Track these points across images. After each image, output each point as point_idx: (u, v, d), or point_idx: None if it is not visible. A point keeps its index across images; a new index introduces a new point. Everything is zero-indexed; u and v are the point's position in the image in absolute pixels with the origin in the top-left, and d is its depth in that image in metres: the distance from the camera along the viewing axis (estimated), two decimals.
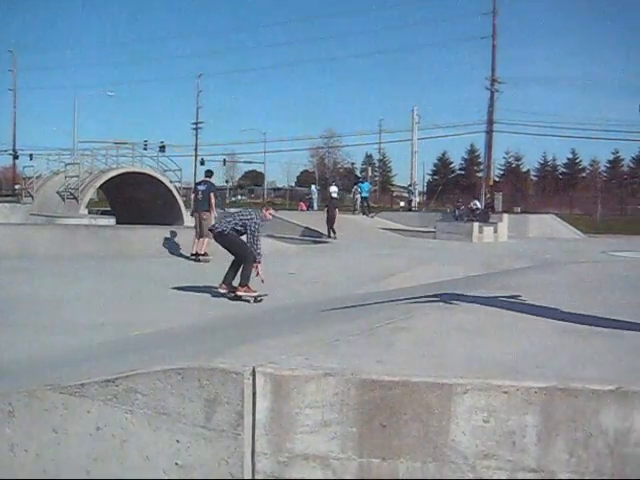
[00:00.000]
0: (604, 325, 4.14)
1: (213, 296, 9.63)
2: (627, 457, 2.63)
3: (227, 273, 9.75)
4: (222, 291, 9.63)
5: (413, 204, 45.74)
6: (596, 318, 4.33)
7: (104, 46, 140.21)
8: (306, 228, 24.93)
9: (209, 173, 17.15)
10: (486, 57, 50.83)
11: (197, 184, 17.39)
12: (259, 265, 9.70)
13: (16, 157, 71.68)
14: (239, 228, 9.82)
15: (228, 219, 10.15)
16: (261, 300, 9.40)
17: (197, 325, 6.67)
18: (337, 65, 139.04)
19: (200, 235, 15.26)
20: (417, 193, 55.64)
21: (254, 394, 2.78)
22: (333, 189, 33.24)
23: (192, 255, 15.31)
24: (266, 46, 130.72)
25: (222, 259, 10.64)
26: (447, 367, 2.97)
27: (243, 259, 9.73)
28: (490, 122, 49.85)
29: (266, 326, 4.90)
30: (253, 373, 2.78)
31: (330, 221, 23.44)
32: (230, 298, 9.48)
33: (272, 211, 10.70)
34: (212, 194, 16.10)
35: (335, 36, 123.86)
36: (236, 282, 9.60)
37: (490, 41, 49.93)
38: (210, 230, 10.67)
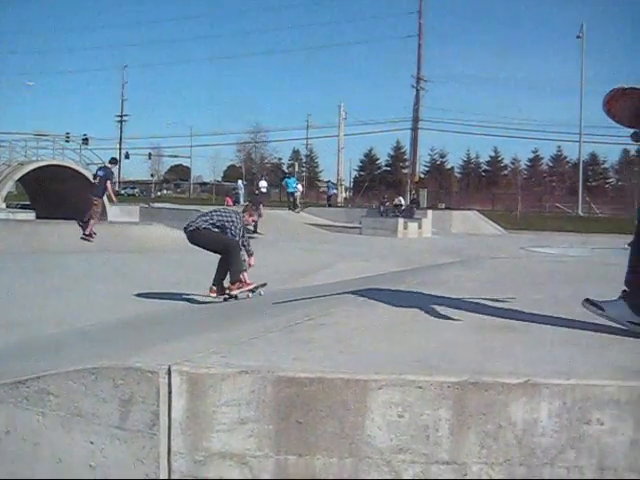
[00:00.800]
0: (520, 319, 4.27)
1: (134, 294, 9.48)
2: (534, 447, 2.72)
3: (216, 274, 9.10)
4: (212, 295, 8.78)
5: (333, 200, 45.95)
6: (512, 312, 4.46)
7: (23, 34, 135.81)
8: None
9: (113, 160, 18.14)
10: (412, 55, 51.73)
11: (98, 169, 18.38)
12: (252, 258, 9.30)
13: None
14: (215, 230, 9.04)
15: (203, 218, 9.32)
16: (260, 290, 8.80)
17: (115, 322, 6.54)
18: (265, 60, 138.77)
19: (89, 217, 16.27)
20: (343, 189, 56.12)
21: (170, 393, 2.75)
22: (263, 184, 33.23)
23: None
24: (192, 39, 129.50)
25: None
26: (364, 363, 3.01)
27: (227, 253, 8.90)
28: (416, 120, 50.76)
29: (184, 324, 4.86)
30: (169, 372, 2.75)
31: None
32: (225, 300, 8.73)
33: (255, 217, 10.25)
34: (108, 181, 17.24)
35: (263, 31, 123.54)
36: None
37: (416, 40, 50.82)
38: (184, 229, 9.75)
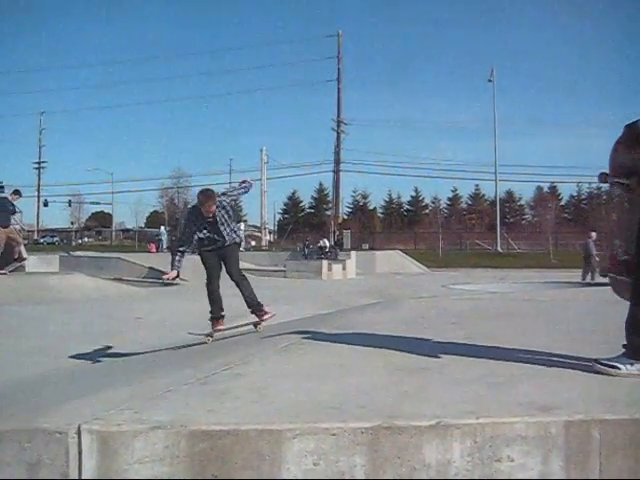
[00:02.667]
0: (434, 359, 4.36)
1: (51, 348, 9.17)
2: None
3: (220, 302, 7.87)
4: (221, 328, 7.83)
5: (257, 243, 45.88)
6: (428, 352, 4.55)
7: None
8: (152, 269, 24.40)
9: (16, 192, 18.32)
10: (332, 99, 52.70)
11: None
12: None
13: None
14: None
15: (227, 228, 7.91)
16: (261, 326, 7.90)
17: (26, 380, 6.31)
18: (186, 104, 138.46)
19: None
20: (267, 232, 56.19)
21: (80, 453, 2.68)
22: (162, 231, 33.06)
23: None
24: (112, 85, 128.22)
25: None
26: (279, 412, 3.00)
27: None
28: (337, 162, 51.55)
29: (98, 378, 4.74)
30: (78, 431, 2.69)
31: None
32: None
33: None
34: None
35: (184, 75, 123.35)
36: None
37: (336, 84, 51.86)
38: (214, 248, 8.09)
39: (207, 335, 7.67)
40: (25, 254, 17.69)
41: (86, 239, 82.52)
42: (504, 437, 2.83)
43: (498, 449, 2.82)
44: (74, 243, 70.27)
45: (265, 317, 7.90)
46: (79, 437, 2.69)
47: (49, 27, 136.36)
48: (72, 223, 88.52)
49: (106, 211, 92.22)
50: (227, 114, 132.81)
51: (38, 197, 77.38)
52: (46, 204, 77.93)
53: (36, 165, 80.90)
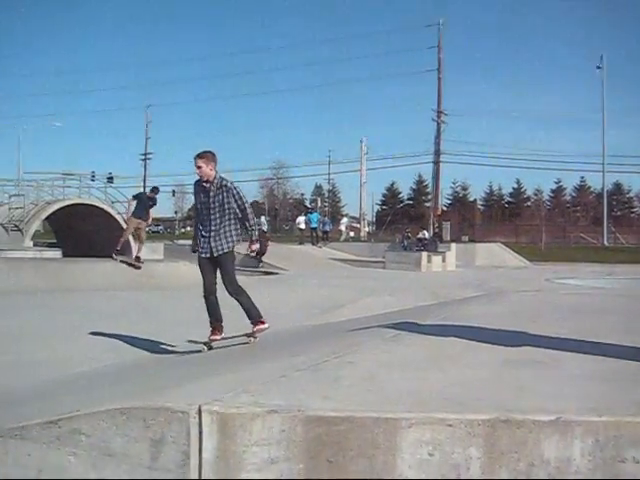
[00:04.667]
0: (546, 354, 4.24)
1: (159, 332, 9.50)
2: None
3: (217, 312, 7.35)
4: (215, 338, 7.18)
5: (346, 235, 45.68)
6: (539, 346, 4.44)
7: (50, 76, 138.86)
8: (247, 256, 24.82)
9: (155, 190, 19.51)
10: (432, 89, 52.05)
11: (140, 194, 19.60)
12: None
13: None
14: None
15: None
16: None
17: (140, 362, 6.58)
18: (286, 96, 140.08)
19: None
20: (365, 223, 56.23)
21: (200, 433, 2.76)
22: (262, 220, 33.48)
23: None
24: (212, 77, 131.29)
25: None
26: (392, 401, 3.00)
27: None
28: (437, 153, 50.87)
29: (212, 362, 4.87)
30: (199, 412, 2.77)
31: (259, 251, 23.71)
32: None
33: None
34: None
35: (284, 68, 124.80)
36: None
37: (436, 74, 51.14)
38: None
39: (204, 344, 7.20)
40: (142, 259, 18.10)
41: (189, 228, 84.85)
42: (629, 437, 2.72)
43: (622, 449, 2.71)
44: (177, 232, 72.50)
45: (261, 327, 7.10)
46: (200, 417, 2.77)
47: (152, 22, 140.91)
48: (175, 212, 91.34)
49: None
50: (327, 105, 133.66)
51: (144, 187, 79.99)
52: None
53: (142, 157, 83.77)
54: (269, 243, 24.39)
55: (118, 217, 30.52)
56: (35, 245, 27.93)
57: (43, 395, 4.94)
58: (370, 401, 2.99)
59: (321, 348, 4.64)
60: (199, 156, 6.98)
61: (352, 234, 46.95)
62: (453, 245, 32.46)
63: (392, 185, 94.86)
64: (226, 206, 6.91)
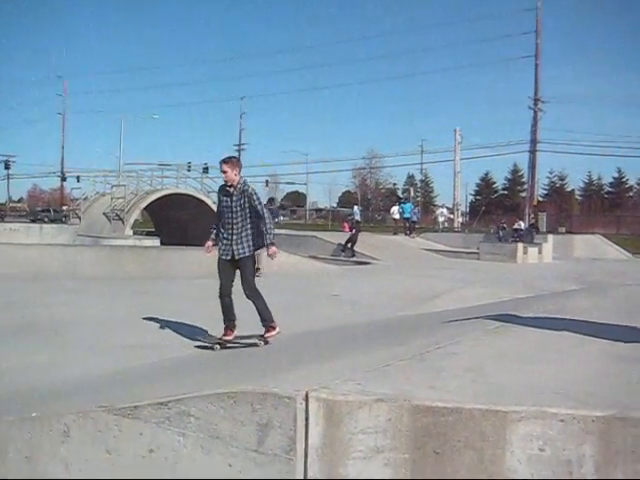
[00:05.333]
0: None
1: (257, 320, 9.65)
2: None
3: (231, 312, 7.45)
4: (227, 338, 7.29)
5: (444, 224, 45.02)
6: None
7: (147, 70, 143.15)
8: (339, 246, 24.90)
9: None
10: (529, 76, 50.62)
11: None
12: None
13: (64, 179, 73.66)
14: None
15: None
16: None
17: (239, 348, 6.70)
18: (378, 86, 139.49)
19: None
20: (459, 214, 55.36)
21: (307, 419, 2.78)
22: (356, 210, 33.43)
23: None
24: (308, 67, 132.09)
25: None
26: (500, 393, 2.93)
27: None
28: (533, 142, 49.45)
29: (313, 350, 4.91)
30: (306, 398, 2.79)
31: (351, 241, 23.68)
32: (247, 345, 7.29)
33: None
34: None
35: (376, 57, 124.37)
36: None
37: (533, 60, 49.68)
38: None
39: (216, 343, 7.28)
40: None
41: (281, 217, 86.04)
42: None
43: None
44: None
45: (271, 333, 7.19)
46: (306, 403, 2.78)
47: (243, 13, 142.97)
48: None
49: (300, 191, 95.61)
50: (420, 94, 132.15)
51: None
52: None
53: (237, 147, 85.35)
54: (359, 233, 24.32)
55: (214, 207, 31.31)
56: (135, 234, 28.99)
57: (149, 377, 5.11)
58: (477, 393, 2.94)
59: (422, 338, 4.60)
60: (224, 161, 7.18)
61: (446, 224, 46.20)
62: (550, 236, 31.51)
63: (486, 175, 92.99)
64: (247, 210, 7.10)
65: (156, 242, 24.29)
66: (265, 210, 7.20)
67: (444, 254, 26.47)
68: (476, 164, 73.18)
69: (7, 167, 75.33)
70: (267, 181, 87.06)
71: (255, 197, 7.13)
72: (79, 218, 31.97)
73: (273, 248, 7.23)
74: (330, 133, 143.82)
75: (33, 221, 48.39)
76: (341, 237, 24.44)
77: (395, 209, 34.92)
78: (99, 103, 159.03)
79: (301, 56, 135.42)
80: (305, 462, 2.79)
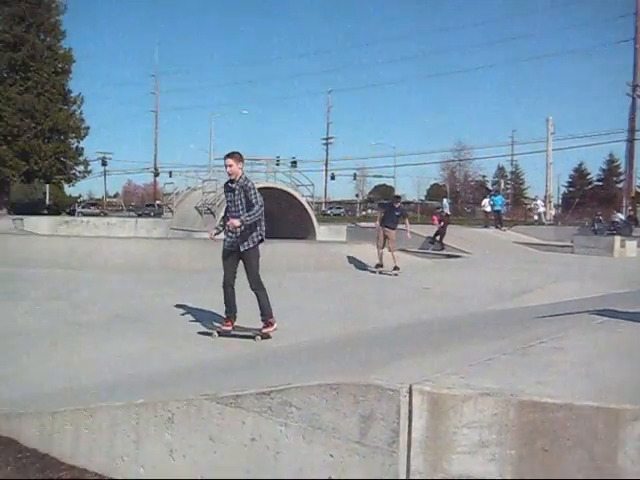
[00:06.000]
0: None
1: (351, 311, 9.68)
2: None
3: (232, 302, 7.68)
4: (226, 329, 7.63)
5: (541, 217, 43.88)
6: None
7: (236, 66, 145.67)
8: (439, 242, 24.63)
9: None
10: (627, 62, 48.62)
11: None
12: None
13: (157, 174, 76.15)
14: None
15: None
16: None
17: (340, 340, 6.74)
18: (467, 77, 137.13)
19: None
20: (552, 205, 53.83)
21: (410, 412, 2.75)
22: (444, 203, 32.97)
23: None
24: (395, 60, 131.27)
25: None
26: (612, 390, 2.82)
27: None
28: (631, 130, 47.49)
29: (412, 343, 4.87)
30: (410, 391, 2.76)
31: (440, 234, 23.34)
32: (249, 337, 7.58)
33: None
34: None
35: (465, 48, 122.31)
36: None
37: (631, 44, 47.64)
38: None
39: (217, 331, 7.64)
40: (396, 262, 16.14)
41: (369, 211, 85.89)
42: None
43: None
44: (358, 214, 73.58)
45: (269, 329, 7.49)
46: (410, 396, 2.76)
47: (329, 7, 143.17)
48: (357, 195, 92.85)
49: (388, 184, 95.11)
50: (511, 84, 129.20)
51: (326, 171, 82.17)
52: (333, 177, 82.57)
53: (324, 141, 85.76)
54: (448, 226, 23.98)
55: (303, 200, 31.61)
56: None
57: (251, 367, 5.20)
58: (587, 389, 2.83)
59: (522, 332, 4.48)
60: (229, 156, 7.57)
61: (536, 217, 44.98)
62: None
63: (580, 165, 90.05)
64: (249, 204, 7.42)
65: None
66: (258, 205, 7.42)
67: (536, 247, 25.80)
68: (570, 154, 71.25)
69: (104, 164, 78.40)
70: (355, 174, 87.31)
71: (252, 191, 7.42)
72: (172, 212, 32.86)
73: (235, 221, 7.34)
74: (418, 125, 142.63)
75: (140, 215, 50.28)
76: (430, 230, 24.15)
77: (486, 201, 34.32)
78: (190, 100, 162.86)
79: (387, 47, 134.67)
80: (408, 455, 2.77)
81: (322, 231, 31.00)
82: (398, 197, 18.86)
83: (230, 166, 7.47)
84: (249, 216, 7.33)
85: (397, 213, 16.57)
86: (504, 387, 2.79)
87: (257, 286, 7.52)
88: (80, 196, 73.21)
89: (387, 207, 17.23)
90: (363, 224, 36.34)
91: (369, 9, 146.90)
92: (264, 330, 7.49)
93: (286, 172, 36.05)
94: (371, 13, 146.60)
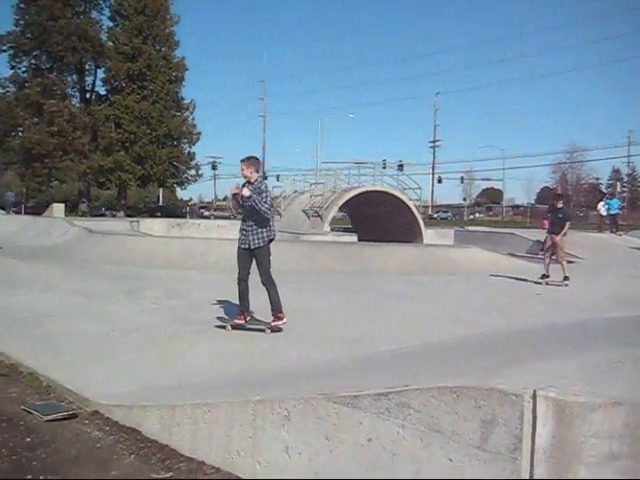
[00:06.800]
0: None
1: (457, 316, 9.53)
2: None
3: (246, 297, 8.04)
4: (239, 322, 7.97)
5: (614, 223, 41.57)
6: None
7: (342, 70, 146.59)
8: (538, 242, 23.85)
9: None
10: None
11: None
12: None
13: (265, 178, 77.47)
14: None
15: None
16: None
17: (454, 343, 6.64)
18: (579, 76, 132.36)
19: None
20: None
21: (534, 418, 2.67)
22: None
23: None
24: (503, 60, 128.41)
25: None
26: None
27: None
28: None
29: (532, 348, 4.73)
30: (534, 396, 2.68)
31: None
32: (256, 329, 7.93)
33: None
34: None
35: (577, 46, 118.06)
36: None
37: None
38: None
39: (230, 325, 8.05)
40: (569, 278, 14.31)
41: (477, 214, 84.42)
42: None
43: None
44: (465, 218, 72.48)
45: (278, 322, 7.89)
46: (534, 402, 2.68)
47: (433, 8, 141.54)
48: (464, 199, 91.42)
49: (496, 187, 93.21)
50: (628, 82, 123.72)
51: (432, 174, 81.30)
52: (440, 181, 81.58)
53: (431, 144, 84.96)
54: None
55: (410, 203, 31.45)
56: (332, 230, 29.77)
57: (362, 369, 5.20)
58: None
59: None
60: (242, 160, 8.07)
61: None
62: None
63: None
64: (256, 202, 7.72)
65: (353, 238, 24.74)
66: (268, 206, 7.83)
67: None
68: None
69: (214, 168, 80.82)
70: (462, 177, 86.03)
71: (265, 194, 7.82)
72: (280, 215, 33.43)
73: (245, 190, 7.80)
74: (528, 127, 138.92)
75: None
76: (540, 235, 23.44)
77: (601, 205, 33.00)
78: (297, 104, 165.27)
79: (494, 49, 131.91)
80: (531, 462, 2.69)
81: (429, 234, 30.70)
82: (559, 196, 16.22)
83: (242, 170, 8.03)
84: (258, 202, 7.70)
85: (560, 215, 14.56)
86: (635, 396, 2.67)
87: (268, 282, 7.91)
88: (191, 199, 75.72)
89: (550, 210, 15.32)
90: (471, 228, 35.75)
91: (474, 10, 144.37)
92: (273, 323, 7.90)
93: (393, 175, 35.96)
94: (478, 14, 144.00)
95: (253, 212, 7.82)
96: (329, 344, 7.25)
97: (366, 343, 7.38)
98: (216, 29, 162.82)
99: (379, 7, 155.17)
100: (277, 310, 7.89)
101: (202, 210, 69.65)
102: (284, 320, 7.87)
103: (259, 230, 7.88)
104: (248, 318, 8.07)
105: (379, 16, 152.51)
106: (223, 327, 8.05)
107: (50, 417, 4.87)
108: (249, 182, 7.94)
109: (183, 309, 9.37)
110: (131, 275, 13.13)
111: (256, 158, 8.21)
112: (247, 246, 7.93)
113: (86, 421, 4.86)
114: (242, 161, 8.04)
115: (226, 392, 4.82)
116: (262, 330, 7.88)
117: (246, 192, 7.72)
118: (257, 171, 8.11)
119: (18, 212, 40.97)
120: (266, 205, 7.79)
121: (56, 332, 7.63)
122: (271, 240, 8.00)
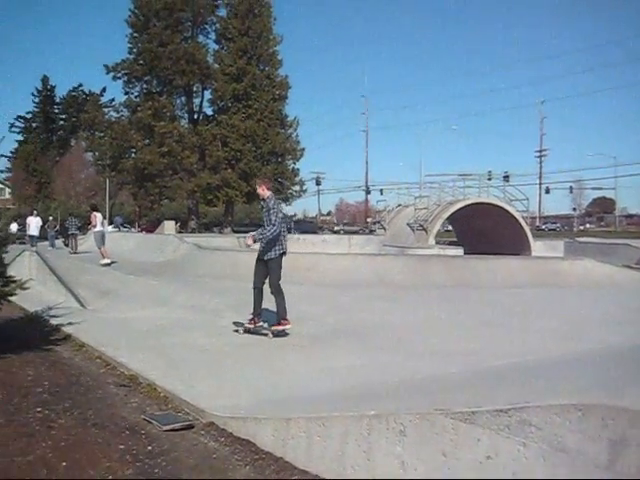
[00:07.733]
0: None
1: (569, 330, 9.18)
2: None
3: (259, 303, 8.76)
4: (249, 326, 8.76)
5: None
6: None
7: (447, 83, 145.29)
8: None
9: None
10: None
11: None
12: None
13: (368, 192, 77.89)
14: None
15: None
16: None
17: (555, 359, 6.41)
18: None
19: None
20: None
21: None
22: None
23: None
24: (610, 65, 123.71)
25: None
26: None
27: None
28: None
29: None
30: None
31: None
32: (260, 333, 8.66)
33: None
34: None
35: None
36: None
37: None
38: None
39: (243, 329, 8.79)
40: None
41: (587, 225, 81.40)
42: None
43: None
44: (575, 229, 70.05)
45: (278, 327, 8.55)
46: None
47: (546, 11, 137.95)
48: (573, 209, 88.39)
49: (608, 196, 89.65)
50: None
51: (540, 185, 79.13)
52: (547, 191, 79.31)
53: (538, 154, 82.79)
54: None
55: (517, 215, 30.65)
56: (437, 243, 29.42)
57: (470, 384, 5.09)
58: None
59: None
60: (257, 179, 9.28)
61: None
62: None
63: None
64: (270, 222, 8.52)
65: (459, 251, 24.37)
66: (277, 222, 8.49)
67: None
68: None
69: (318, 183, 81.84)
70: (571, 187, 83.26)
71: (272, 211, 8.53)
72: (384, 229, 33.35)
73: (249, 240, 8.89)
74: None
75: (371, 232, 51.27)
76: None
77: None
78: (399, 118, 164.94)
79: (600, 55, 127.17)
80: None
81: (538, 247, 29.81)
82: None
83: (256, 189, 9.00)
84: (261, 234, 8.53)
85: None
86: None
87: (275, 289, 8.58)
88: (295, 215, 76.78)
89: None
90: (581, 239, 34.50)
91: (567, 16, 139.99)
92: (273, 327, 8.59)
93: (499, 187, 35.20)
94: (577, 22, 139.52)
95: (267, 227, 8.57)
96: (445, 358, 7.16)
97: (479, 357, 7.24)
98: (317, 46, 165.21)
99: (478, 18, 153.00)
100: (281, 317, 8.55)
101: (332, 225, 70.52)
102: (288, 326, 8.53)
103: (271, 244, 8.55)
104: (259, 324, 8.76)
105: (478, 27, 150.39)
106: (236, 331, 8.83)
107: (169, 427, 5.04)
108: (263, 199, 8.75)
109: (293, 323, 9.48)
110: (239, 290, 13.41)
111: (268, 178, 9.67)
112: (262, 257, 8.66)
113: (202, 432, 4.99)
114: (258, 177, 9.21)
115: (340, 406, 4.83)
116: (265, 335, 8.57)
117: (250, 242, 8.81)
118: (269, 189, 8.84)
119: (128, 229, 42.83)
120: (271, 225, 8.47)
121: (172, 345, 7.90)
122: (283, 254, 8.71)
